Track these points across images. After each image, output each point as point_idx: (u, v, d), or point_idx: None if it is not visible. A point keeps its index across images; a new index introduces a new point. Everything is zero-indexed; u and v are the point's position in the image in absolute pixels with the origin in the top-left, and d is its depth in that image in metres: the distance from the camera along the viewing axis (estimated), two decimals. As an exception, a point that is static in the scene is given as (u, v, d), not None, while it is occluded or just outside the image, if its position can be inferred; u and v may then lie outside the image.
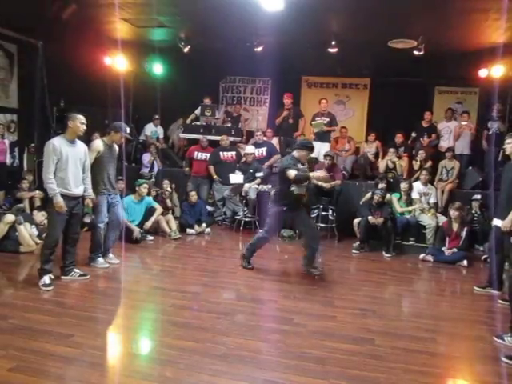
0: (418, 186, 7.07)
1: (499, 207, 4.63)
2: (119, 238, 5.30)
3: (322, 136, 8.28)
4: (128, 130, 5.26)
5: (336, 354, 3.16)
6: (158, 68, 9.45)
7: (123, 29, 7.78)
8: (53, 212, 4.26)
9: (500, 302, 4.46)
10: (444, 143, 8.37)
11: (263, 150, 8.07)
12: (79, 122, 4.34)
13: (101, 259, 5.05)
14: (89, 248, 5.06)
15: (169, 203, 7.25)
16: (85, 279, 4.53)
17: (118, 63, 8.87)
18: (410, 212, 6.86)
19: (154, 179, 8.33)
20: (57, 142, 4.25)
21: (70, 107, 7.76)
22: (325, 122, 8.18)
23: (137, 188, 6.53)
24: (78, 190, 4.42)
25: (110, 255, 5.28)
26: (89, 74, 8.15)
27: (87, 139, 8.19)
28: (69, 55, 7.63)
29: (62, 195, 4.23)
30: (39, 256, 4.39)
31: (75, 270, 4.56)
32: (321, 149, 8.18)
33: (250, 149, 7.75)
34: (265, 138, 8.57)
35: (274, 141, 8.86)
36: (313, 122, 8.34)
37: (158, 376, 2.76)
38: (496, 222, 4.63)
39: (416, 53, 7.39)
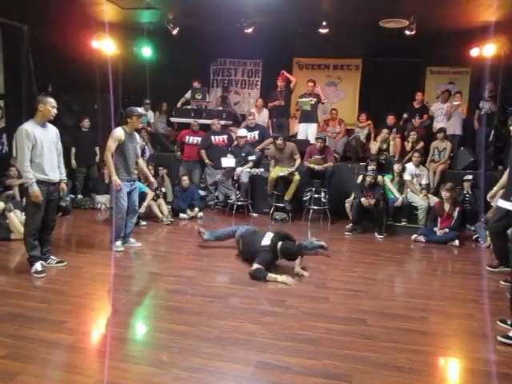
0: (410, 168, 7.07)
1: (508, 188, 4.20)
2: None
3: (308, 116, 8.23)
4: (139, 109, 5.33)
5: (329, 334, 3.18)
6: (146, 51, 9.29)
7: (110, 11, 7.60)
8: (30, 201, 4.14)
9: (502, 283, 4.40)
10: (439, 124, 8.30)
11: (255, 134, 8.01)
12: (50, 105, 4.17)
13: (118, 243, 5.17)
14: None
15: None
16: (62, 266, 4.48)
17: (105, 47, 8.70)
18: (401, 193, 6.88)
19: (145, 164, 8.26)
20: (29, 127, 4.07)
21: (58, 92, 7.64)
22: (312, 101, 8.11)
23: None
24: (54, 176, 4.31)
25: (131, 239, 5.40)
26: (76, 58, 7.98)
27: (77, 124, 8.19)
28: (55, 39, 7.47)
29: (41, 181, 4.13)
30: (24, 245, 4.31)
31: (52, 257, 4.51)
32: (308, 129, 8.17)
33: (242, 132, 7.68)
34: (254, 110, 8.65)
35: (265, 112, 8.77)
36: (299, 100, 8.28)
37: (152, 360, 2.77)
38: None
39: (407, 32, 7.33)
